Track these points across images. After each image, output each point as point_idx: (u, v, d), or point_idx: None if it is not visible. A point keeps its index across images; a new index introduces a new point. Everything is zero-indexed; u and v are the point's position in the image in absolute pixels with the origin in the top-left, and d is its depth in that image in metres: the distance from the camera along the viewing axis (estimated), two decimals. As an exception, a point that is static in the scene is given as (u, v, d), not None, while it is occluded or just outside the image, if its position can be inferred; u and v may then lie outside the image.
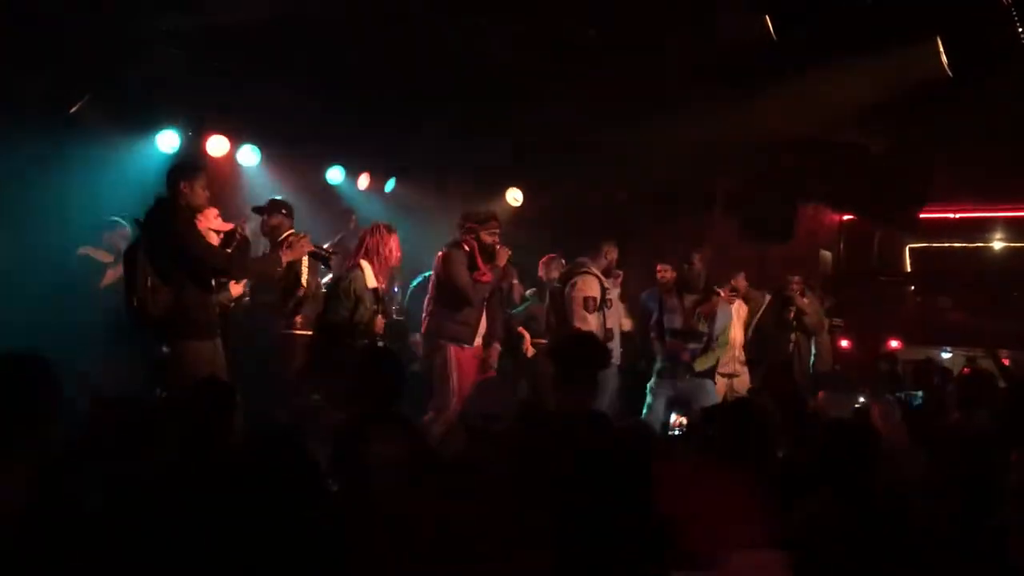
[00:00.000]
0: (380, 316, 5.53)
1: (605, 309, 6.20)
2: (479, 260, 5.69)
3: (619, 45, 6.50)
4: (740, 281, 7.83)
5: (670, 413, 3.92)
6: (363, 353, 3.76)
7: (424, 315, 5.85)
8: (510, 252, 5.82)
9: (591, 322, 6.03)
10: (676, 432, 3.88)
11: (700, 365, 6.41)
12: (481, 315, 5.76)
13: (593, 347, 4.06)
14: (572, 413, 3.60)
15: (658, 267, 6.80)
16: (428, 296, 5.88)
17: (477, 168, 8.36)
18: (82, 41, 5.95)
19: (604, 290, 6.23)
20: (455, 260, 5.66)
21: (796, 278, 7.84)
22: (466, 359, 5.70)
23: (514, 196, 9.16)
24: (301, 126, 7.45)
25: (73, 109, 6.28)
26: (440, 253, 5.83)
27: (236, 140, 7.46)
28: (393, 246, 5.60)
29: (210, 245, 4.87)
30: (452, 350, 5.64)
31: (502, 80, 6.93)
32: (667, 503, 2.18)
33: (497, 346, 5.96)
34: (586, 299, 6.10)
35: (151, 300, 4.63)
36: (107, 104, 6.42)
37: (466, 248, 5.72)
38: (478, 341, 5.79)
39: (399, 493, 2.85)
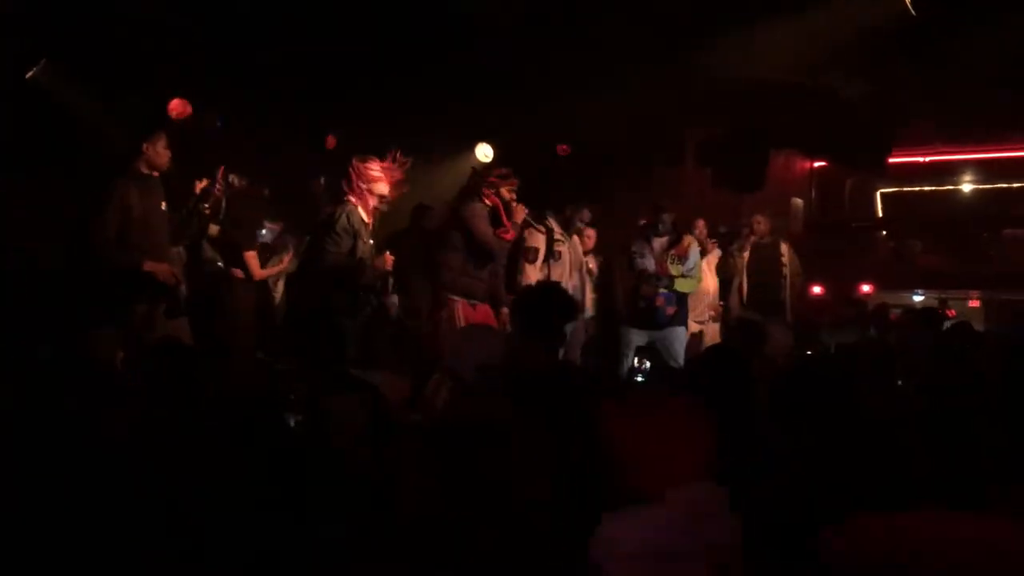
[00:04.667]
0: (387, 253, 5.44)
1: (551, 261, 6.39)
2: (503, 216, 5.54)
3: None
4: (700, 228, 7.92)
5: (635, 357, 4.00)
6: (299, 313, 3.68)
7: (435, 268, 5.60)
8: (527, 210, 5.67)
9: (530, 273, 6.29)
10: (640, 378, 3.88)
11: (683, 286, 6.54)
12: (493, 273, 5.63)
13: (557, 298, 4.01)
14: (537, 366, 3.59)
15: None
16: (441, 249, 5.62)
17: (445, 124, 8.27)
18: (37, 3, 5.82)
19: (553, 242, 6.35)
20: (479, 214, 5.48)
21: (757, 216, 7.88)
22: (475, 317, 5.51)
23: (484, 152, 9.09)
24: (267, 88, 7.33)
25: (29, 74, 6.14)
26: (460, 206, 5.60)
27: (201, 104, 7.32)
28: (372, 175, 5.40)
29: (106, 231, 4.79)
30: (461, 306, 5.47)
31: (467, 33, 6.83)
32: (611, 439, 2.15)
33: (506, 309, 5.71)
34: (527, 249, 6.40)
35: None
36: (65, 69, 6.28)
37: (487, 203, 5.57)
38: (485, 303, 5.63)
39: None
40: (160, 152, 4.92)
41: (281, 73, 7.20)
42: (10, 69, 6.00)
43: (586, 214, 6.79)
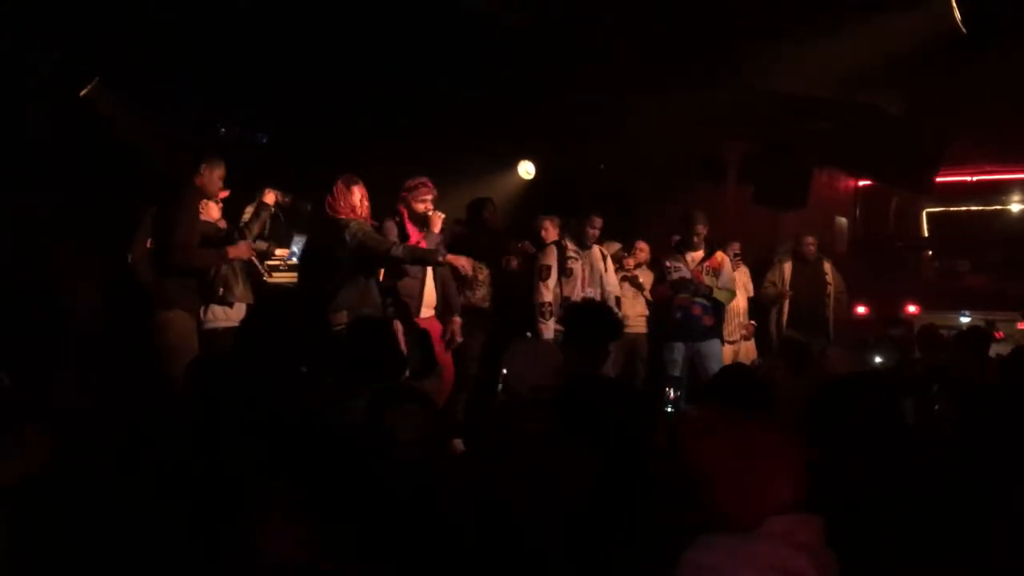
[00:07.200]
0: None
1: (563, 278, 6.44)
2: (408, 227, 5.54)
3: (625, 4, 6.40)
4: (734, 248, 7.89)
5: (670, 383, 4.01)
6: (357, 327, 3.67)
7: None
8: (443, 216, 5.64)
9: (543, 290, 6.38)
10: (669, 408, 3.85)
11: (720, 296, 6.53)
12: (423, 286, 5.59)
13: (599, 316, 4.00)
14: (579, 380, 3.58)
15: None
16: None
17: (487, 142, 8.30)
18: (91, 22, 5.94)
19: (566, 259, 6.36)
20: (387, 231, 5.50)
21: (809, 238, 7.87)
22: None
23: (526, 169, 9.11)
24: (309, 106, 7.41)
25: (83, 92, 6.28)
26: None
27: (248, 123, 7.45)
28: (357, 198, 5.37)
29: (189, 234, 4.90)
30: (396, 324, 5.38)
31: (507, 50, 6.85)
32: (693, 459, 2.07)
33: (457, 319, 5.81)
34: (540, 267, 6.50)
35: (143, 264, 4.82)
36: (118, 87, 6.42)
37: (396, 219, 5.58)
38: (427, 312, 5.63)
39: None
40: (215, 180, 5.08)
41: (322, 91, 7.27)
42: (67, 87, 6.14)
43: (596, 221, 6.74)
